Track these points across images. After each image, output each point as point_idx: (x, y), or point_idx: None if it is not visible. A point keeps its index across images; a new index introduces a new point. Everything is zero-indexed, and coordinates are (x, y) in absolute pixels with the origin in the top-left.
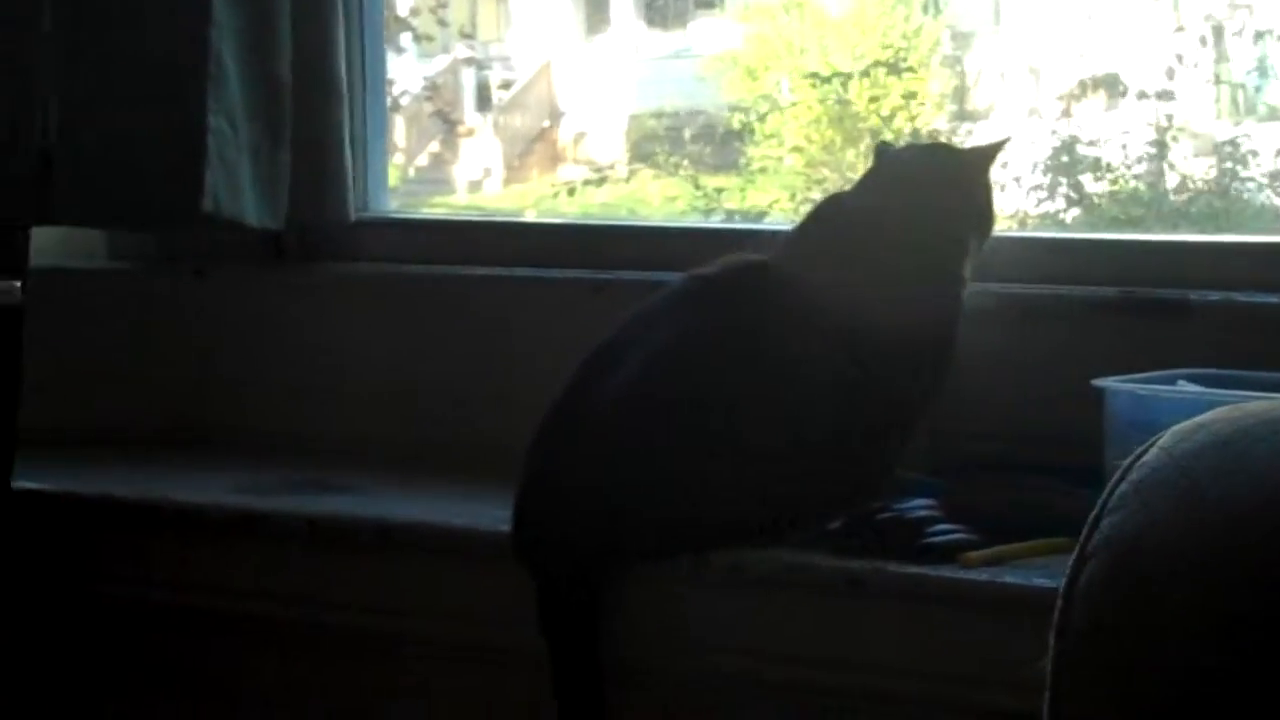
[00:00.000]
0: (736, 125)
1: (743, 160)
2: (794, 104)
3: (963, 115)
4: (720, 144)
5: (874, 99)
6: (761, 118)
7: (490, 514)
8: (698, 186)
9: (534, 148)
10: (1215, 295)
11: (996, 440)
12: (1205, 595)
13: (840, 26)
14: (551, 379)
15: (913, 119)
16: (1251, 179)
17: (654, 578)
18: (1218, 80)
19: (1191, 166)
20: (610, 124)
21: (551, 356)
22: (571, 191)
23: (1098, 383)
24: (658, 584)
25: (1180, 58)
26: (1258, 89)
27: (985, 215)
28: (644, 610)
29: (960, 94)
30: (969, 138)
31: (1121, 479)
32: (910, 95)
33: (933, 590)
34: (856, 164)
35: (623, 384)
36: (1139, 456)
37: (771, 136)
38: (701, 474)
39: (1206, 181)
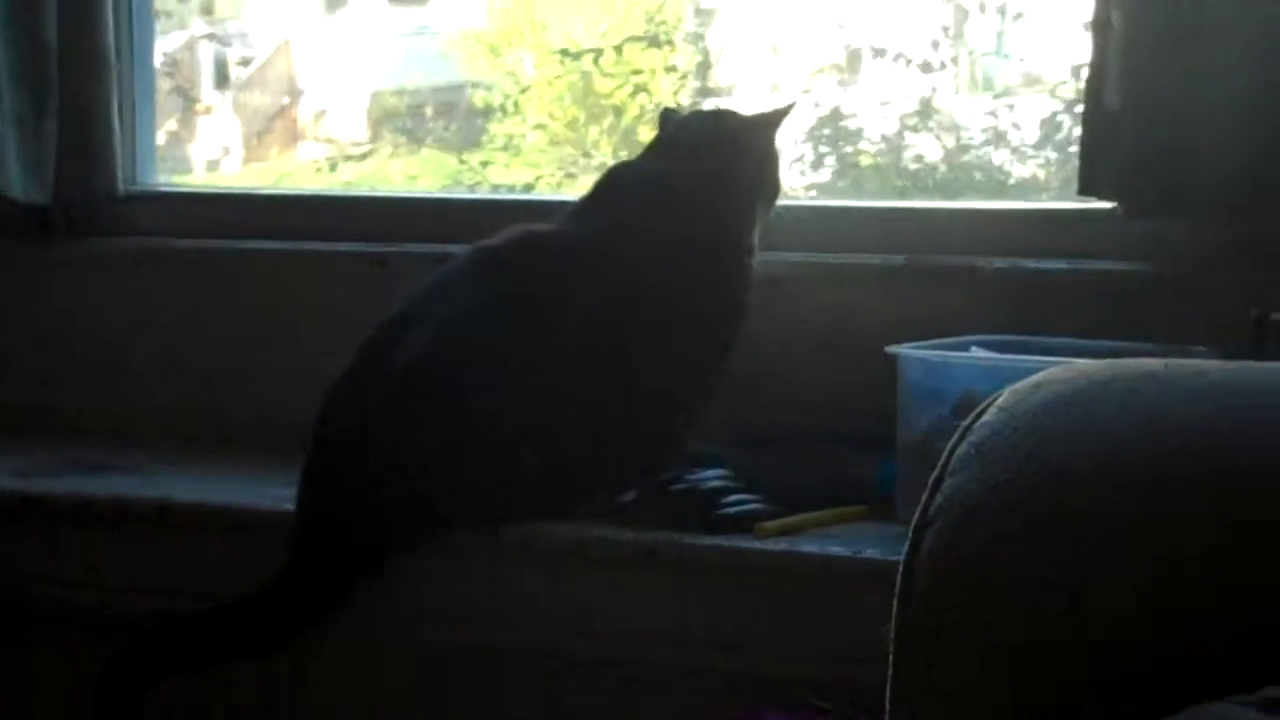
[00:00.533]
0: (480, 103)
1: (486, 138)
2: (543, 81)
3: (706, 91)
4: (465, 121)
5: (625, 75)
6: (513, 99)
7: (273, 492)
8: (462, 160)
9: (273, 126)
10: (1001, 261)
11: (788, 410)
12: (1049, 557)
13: (583, 3)
14: (332, 353)
15: (654, 96)
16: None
17: (443, 552)
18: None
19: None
20: (351, 102)
21: (331, 330)
22: (322, 169)
23: (891, 349)
24: (447, 558)
25: (946, 30)
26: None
27: (771, 181)
28: (433, 585)
29: (704, 70)
30: None
31: (960, 440)
32: (671, 69)
33: (728, 561)
34: (600, 141)
35: (412, 356)
36: (978, 417)
37: (516, 114)
38: (493, 444)
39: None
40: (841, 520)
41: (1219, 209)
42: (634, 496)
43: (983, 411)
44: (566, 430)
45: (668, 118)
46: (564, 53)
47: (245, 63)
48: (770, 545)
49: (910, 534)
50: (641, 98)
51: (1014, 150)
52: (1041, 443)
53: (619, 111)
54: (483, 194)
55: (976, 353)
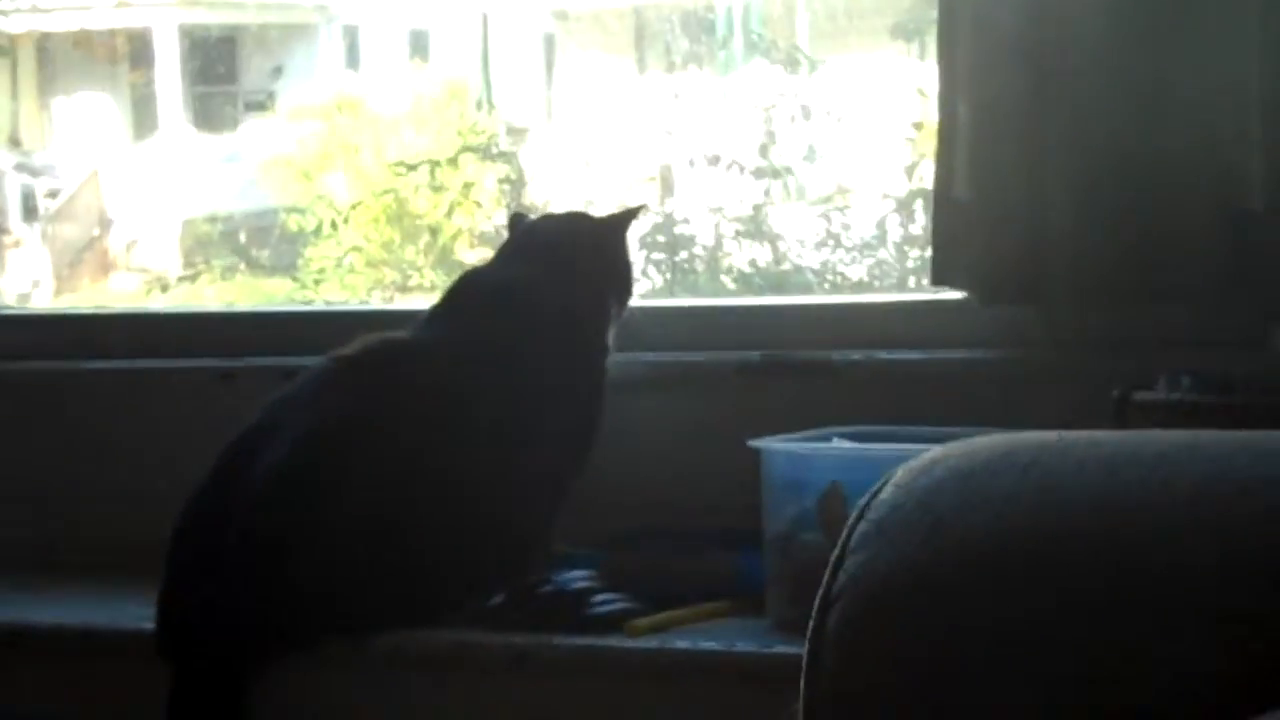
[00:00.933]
0: (294, 227)
1: (301, 261)
2: (358, 202)
3: (521, 209)
4: (279, 246)
5: (442, 194)
6: (330, 222)
7: (131, 611)
8: (295, 279)
9: (84, 257)
10: (856, 354)
11: (651, 509)
12: (955, 629)
13: (394, 125)
14: (183, 470)
15: (470, 215)
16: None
17: (309, 665)
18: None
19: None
20: (163, 230)
21: (181, 447)
22: (153, 291)
23: (754, 443)
24: (314, 671)
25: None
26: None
27: (624, 281)
28: (300, 700)
29: (518, 188)
30: None
31: (860, 519)
32: (504, 180)
33: (601, 661)
34: (417, 260)
35: (269, 469)
36: (874, 495)
37: (331, 236)
38: (353, 556)
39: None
40: (710, 616)
41: (1072, 294)
42: (502, 599)
43: (879, 490)
44: (427, 537)
45: (518, 221)
46: (401, 164)
47: (53, 194)
48: (642, 643)
49: (815, 613)
50: (457, 217)
51: (847, 250)
52: (941, 518)
53: (435, 231)
54: (331, 305)
55: (839, 444)
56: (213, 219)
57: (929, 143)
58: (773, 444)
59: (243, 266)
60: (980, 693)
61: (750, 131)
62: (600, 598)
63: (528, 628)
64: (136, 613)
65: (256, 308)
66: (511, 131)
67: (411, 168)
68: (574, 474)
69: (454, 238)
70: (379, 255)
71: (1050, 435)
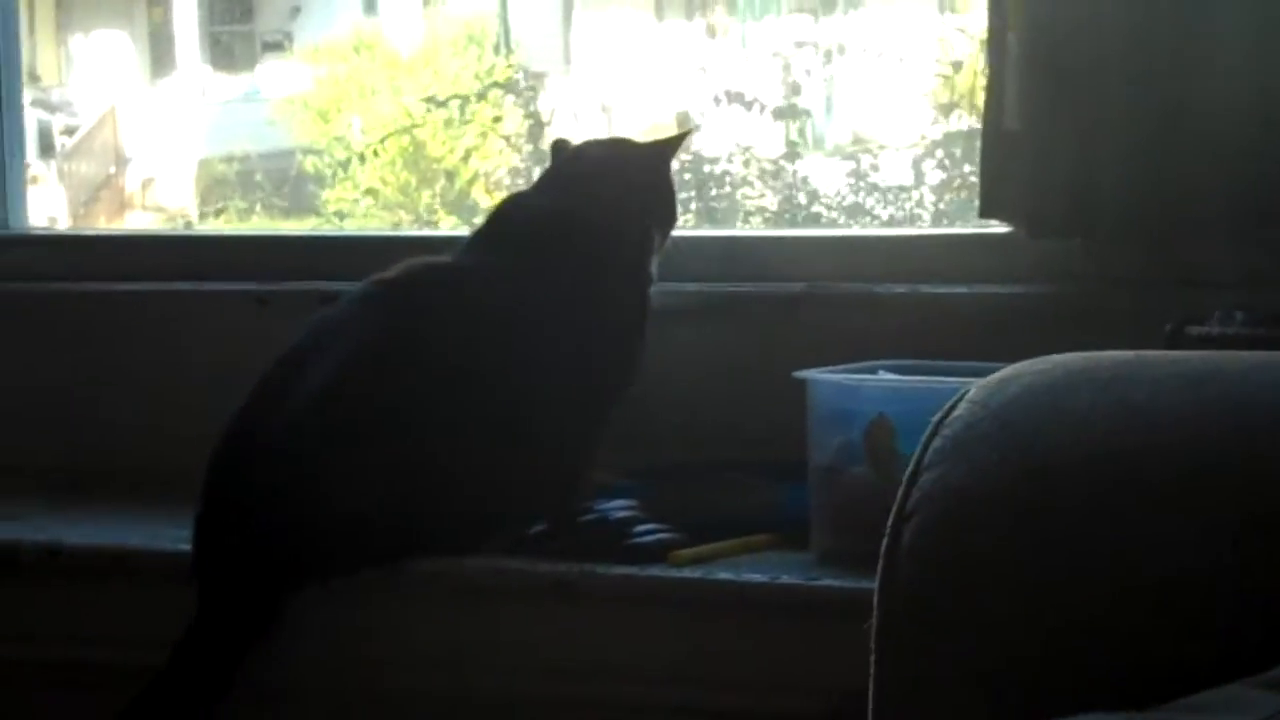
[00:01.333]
0: (310, 169)
1: (318, 203)
2: (376, 145)
3: (538, 156)
4: (295, 187)
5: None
6: (351, 159)
7: (166, 533)
8: (318, 216)
9: (100, 194)
10: (901, 287)
11: (692, 441)
12: (1033, 544)
13: (411, 67)
14: (216, 395)
15: (485, 160)
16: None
17: (347, 591)
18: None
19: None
20: (179, 169)
21: (215, 372)
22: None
23: (800, 374)
24: (351, 597)
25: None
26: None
27: (668, 209)
28: (337, 625)
29: (535, 133)
30: None
31: (934, 435)
32: (532, 115)
33: (643, 590)
34: (433, 205)
35: (310, 391)
36: (948, 413)
37: (347, 179)
38: (392, 480)
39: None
40: (753, 549)
41: (1122, 228)
42: (543, 528)
43: (953, 406)
44: (467, 463)
45: (561, 147)
46: (430, 99)
47: (70, 131)
48: (685, 573)
49: (889, 528)
50: (474, 162)
51: (882, 191)
52: (1019, 434)
53: (451, 175)
54: (368, 231)
55: (885, 376)
56: (228, 159)
57: (967, 82)
58: (819, 374)
59: (259, 208)
60: (1059, 609)
61: (773, 77)
62: (642, 527)
63: (569, 556)
64: (172, 535)
65: (292, 232)
66: (529, 76)
67: (441, 103)
68: (615, 402)
69: (470, 182)
70: (395, 198)
71: (1128, 354)
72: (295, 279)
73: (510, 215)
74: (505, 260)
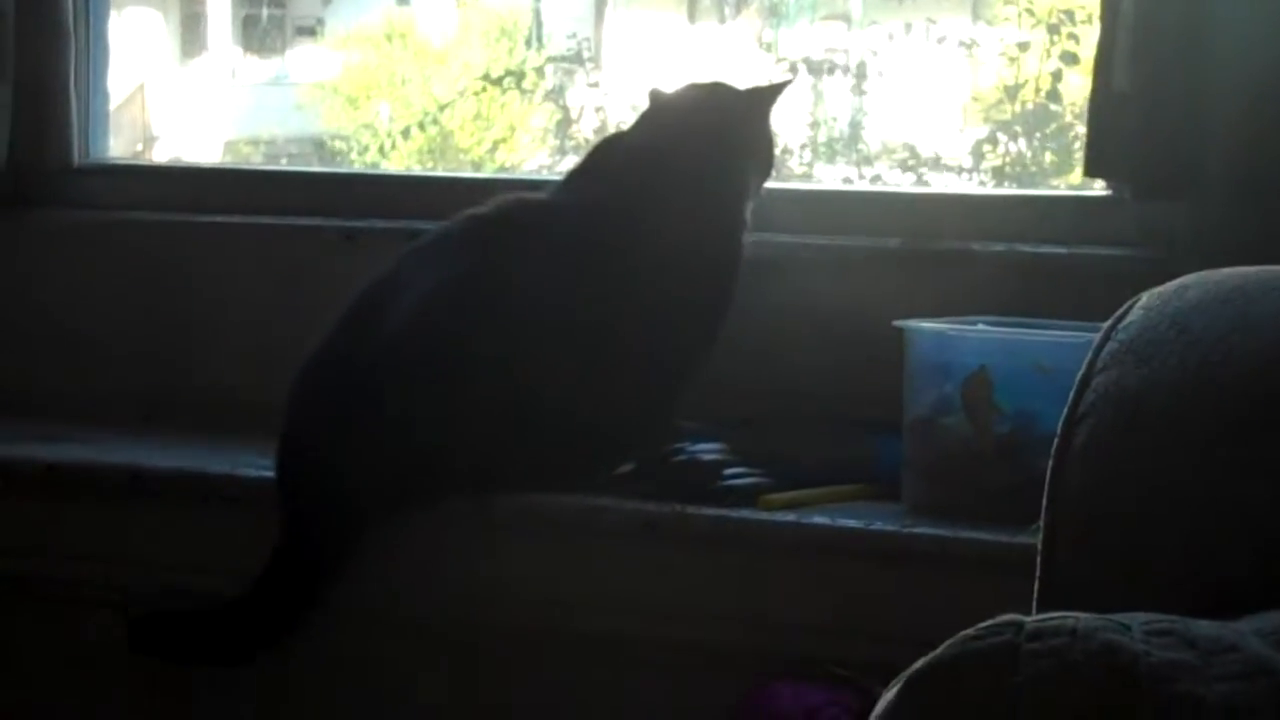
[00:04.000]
0: (336, 154)
1: None
2: (399, 133)
3: (564, 150)
4: None
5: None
6: (379, 147)
7: (248, 461)
8: None
9: None
10: (998, 246)
11: (782, 393)
12: (1215, 450)
13: (442, 56)
14: (300, 329)
15: (513, 153)
16: None
17: (430, 523)
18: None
19: None
20: (206, 150)
21: (300, 305)
22: None
23: (900, 323)
24: (434, 530)
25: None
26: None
27: (765, 157)
28: (418, 558)
29: (563, 128)
30: None
31: (1106, 339)
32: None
33: (734, 533)
34: None
35: (397, 323)
36: (1118, 320)
37: (374, 166)
38: (480, 413)
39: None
40: (845, 498)
41: (1228, 191)
42: (631, 468)
43: (1125, 313)
44: (556, 399)
45: (658, 94)
46: (484, 77)
47: None
48: (778, 517)
49: (1060, 431)
50: (501, 153)
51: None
52: (1198, 339)
53: (478, 166)
54: (456, 172)
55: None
56: (255, 141)
57: (1034, 62)
58: (920, 324)
59: None
60: (1239, 517)
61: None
62: (733, 470)
63: (659, 496)
64: (254, 462)
65: (380, 171)
66: (558, 70)
67: (495, 81)
68: (706, 345)
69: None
70: None
71: None
72: (383, 216)
73: (607, 154)
74: (600, 198)
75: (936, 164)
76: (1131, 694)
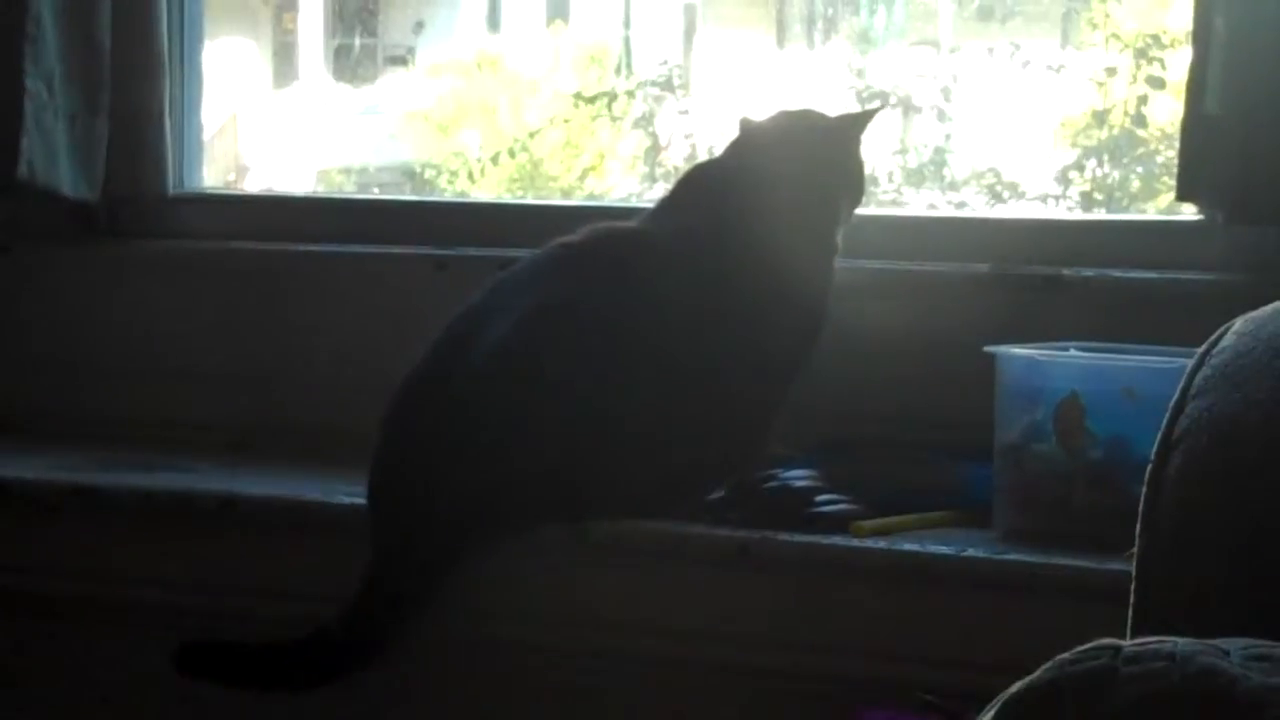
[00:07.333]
0: (427, 183)
1: None
2: (489, 161)
3: (653, 177)
4: None
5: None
6: (468, 173)
7: (341, 489)
8: None
9: None
10: (1089, 271)
11: (871, 418)
12: None
13: (533, 85)
14: (392, 358)
15: (602, 179)
16: None
17: (525, 550)
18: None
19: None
20: (298, 179)
21: (391, 334)
22: None
23: (991, 349)
24: (529, 557)
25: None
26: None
27: (856, 182)
28: (513, 586)
29: (652, 155)
30: None
31: (1200, 365)
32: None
33: (825, 559)
34: None
35: (490, 349)
36: (1212, 345)
37: (463, 195)
38: (574, 440)
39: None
40: (935, 524)
41: None
42: (723, 495)
43: (1219, 338)
44: (648, 425)
45: (748, 121)
46: (579, 95)
47: None
48: (869, 544)
49: (1154, 457)
50: (590, 181)
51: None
52: None
53: (568, 195)
54: (546, 199)
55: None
56: (347, 170)
57: (1122, 87)
58: (1011, 350)
59: None
60: None
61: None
62: (824, 497)
63: (751, 523)
64: (347, 490)
65: (471, 199)
66: (649, 98)
67: (589, 100)
68: (797, 371)
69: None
70: None
71: None
72: (474, 244)
73: (698, 183)
74: (692, 227)
75: (1015, 189)
76: (1230, 718)
